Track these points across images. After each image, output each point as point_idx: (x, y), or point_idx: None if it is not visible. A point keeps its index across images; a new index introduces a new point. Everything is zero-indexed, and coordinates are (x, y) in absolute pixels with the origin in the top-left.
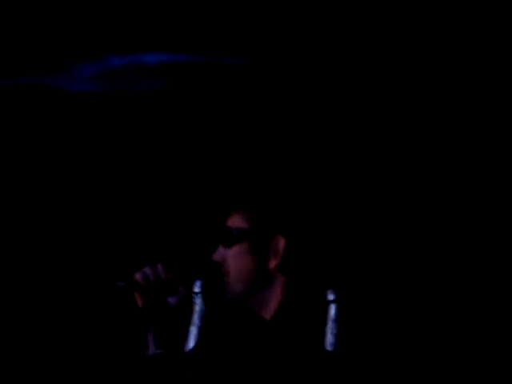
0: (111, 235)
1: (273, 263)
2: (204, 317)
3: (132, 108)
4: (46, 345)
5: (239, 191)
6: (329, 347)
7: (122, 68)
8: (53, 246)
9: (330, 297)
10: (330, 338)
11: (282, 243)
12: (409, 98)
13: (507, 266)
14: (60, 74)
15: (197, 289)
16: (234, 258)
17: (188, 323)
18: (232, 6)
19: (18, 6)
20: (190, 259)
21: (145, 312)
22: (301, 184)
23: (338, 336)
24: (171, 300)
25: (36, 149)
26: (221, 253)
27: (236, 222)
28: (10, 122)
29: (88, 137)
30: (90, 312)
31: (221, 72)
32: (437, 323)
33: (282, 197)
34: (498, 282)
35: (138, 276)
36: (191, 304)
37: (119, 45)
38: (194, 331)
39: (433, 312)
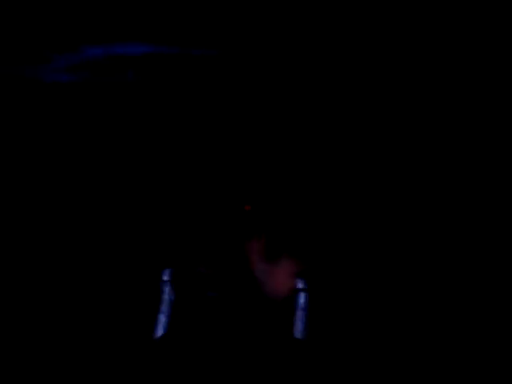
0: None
1: (261, 256)
2: (173, 305)
3: (108, 98)
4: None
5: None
6: (297, 335)
7: (97, 59)
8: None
9: (299, 285)
10: (298, 326)
11: (263, 237)
12: (408, 98)
13: (507, 266)
14: (36, 65)
15: (166, 277)
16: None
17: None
18: None
19: None
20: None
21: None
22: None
23: (307, 324)
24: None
25: (10, 139)
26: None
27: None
28: None
29: (64, 127)
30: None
31: (196, 63)
32: (409, 314)
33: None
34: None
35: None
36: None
37: (95, 36)
38: (162, 319)
39: (405, 303)
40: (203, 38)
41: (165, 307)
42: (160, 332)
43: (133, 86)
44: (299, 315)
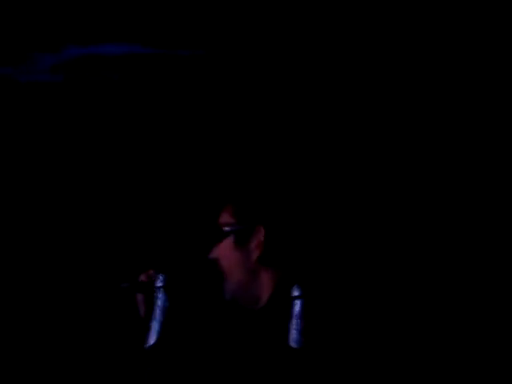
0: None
1: (256, 253)
2: (166, 312)
3: (89, 98)
4: (44, 343)
5: (227, 188)
6: (292, 343)
7: (79, 59)
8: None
9: (295, 292)
10: (293, 334)
11: (262, 233)
12: (408, 98)
13: (505, 266)
14: (18, 66)
15: (159, 283)
16: (223, 255)
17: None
18: None
19: None
20: (188, 260)
21: (148, 310)
22: (282, 176)
23: (302, 332)
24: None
25: None
26: (214, 251)
27: (224, 218)
28: None
29: (46, 128)
30: (90, 312)
31: (179, 63)
32: (405, 320)
33: (265, 189)
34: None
35: (143, 277)
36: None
37: (78, 36)
38: (155, 326)
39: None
40: (189, 38)
41: (158, 314)
42: (152, 340)
43: (117, 86)
44: (294, 323)
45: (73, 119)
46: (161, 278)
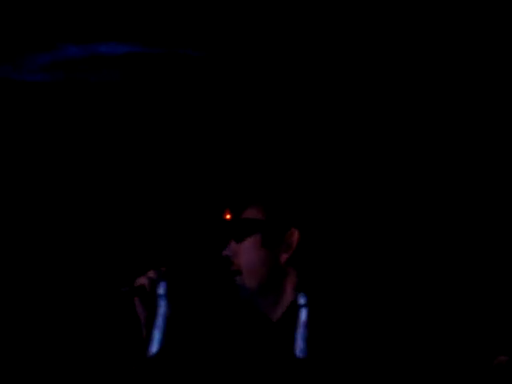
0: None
1: (284, 256)
2: (169, 320)
3: (85, 98)
4: (43, 348)
5: (251, 186)
6: (298, 353)
7: (76, 58)
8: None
9: (301, 301)
10: (299, 344)
11: (295, 236)
12: (408, 98)
13: (504, 266)
14: (11, 64)
15: (161, 291)
16: (246, 252)
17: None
18: None
19: None
20: (197, 257)
21: (149, 315)
22: (315, 177)
23: (308, 342)
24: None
25: None
26: (232, 248)
27: (251, 214)
28: None
29: (39, 128)
30: (89, 317)
31: (179, 64)
32: (415, 330)
33: (298, 190)
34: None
35: (142, 280)
36: (199, 306)
37: (75, 34)
38: (157, 335)
39: (412, 319)
40: (190, 39)
41: (160, 322)
42: (154, 349)
43: (115, 88)
44: (300, 333)
45: (66, 121)
46: (163, 284)
